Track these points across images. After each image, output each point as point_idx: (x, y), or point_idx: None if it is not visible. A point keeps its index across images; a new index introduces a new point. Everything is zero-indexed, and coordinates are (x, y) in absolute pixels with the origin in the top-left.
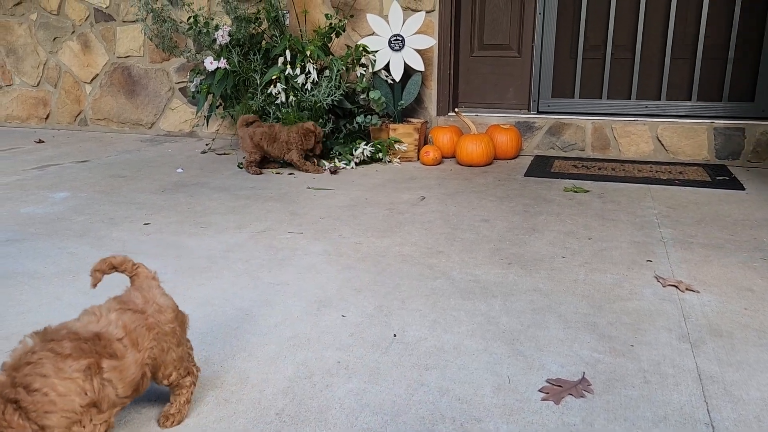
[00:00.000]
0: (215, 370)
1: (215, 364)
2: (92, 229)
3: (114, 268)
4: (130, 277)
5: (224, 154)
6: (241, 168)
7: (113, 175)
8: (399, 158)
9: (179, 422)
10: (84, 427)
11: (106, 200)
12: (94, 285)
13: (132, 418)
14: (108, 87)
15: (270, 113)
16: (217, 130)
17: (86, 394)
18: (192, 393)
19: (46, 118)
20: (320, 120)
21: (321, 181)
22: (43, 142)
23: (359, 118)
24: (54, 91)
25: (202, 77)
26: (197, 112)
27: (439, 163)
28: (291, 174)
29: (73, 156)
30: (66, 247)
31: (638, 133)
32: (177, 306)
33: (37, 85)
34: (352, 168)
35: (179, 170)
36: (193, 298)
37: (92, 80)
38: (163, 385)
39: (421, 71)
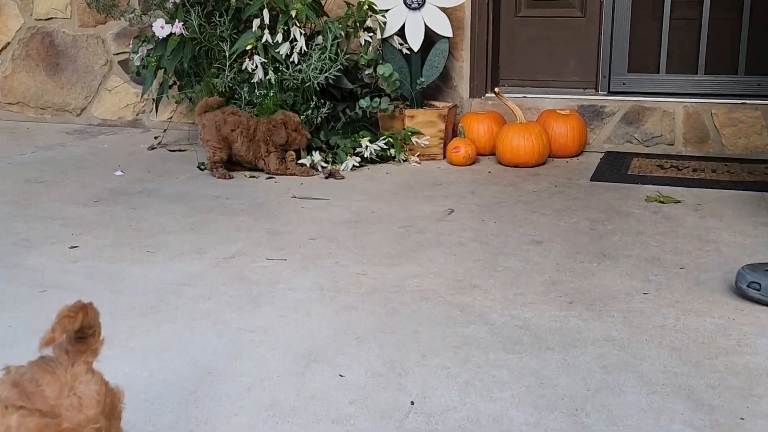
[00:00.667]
0: None
1: None
2: None
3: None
4: (73, 340)
5: (179, 150)
6: (203, 170)
7: (29, 180)
8: (418, 156)
9: None
10: None
11: (18, 215)
12: (46, 344)
13: None
14: (23, 60)
15: (241, 96)
16: (170, 118)
17: None
18: None
19: None
20: (310, 104)
21: (311, 187)
22: None
23: (363, 102)
24: None
25: (150, 47)
26: (143, 94)
27: (472, 163)
28: (270, 178)
29: None
30: None
31: (748, 121)
32: (104, 386)
33: None
34: (354, 169)
35: (118, 173)
36: (136, 351)
37: (1, 51)
38: None
39: (448, 37)
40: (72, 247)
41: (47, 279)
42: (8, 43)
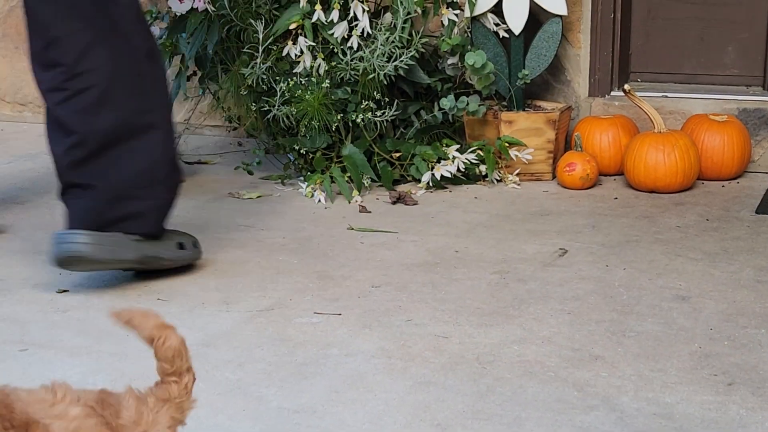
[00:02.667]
0: None
1: None
2: None
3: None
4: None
5: (199, 162)
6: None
7: (3, 201)
8: (517, 174)
9: None
10: None
11: None
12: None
13: None
14: None
15: (278, 92)
16: (187, 119)
17: None
18: None
19: None
20: (370, 104)
21: (373, 215)
22: None
23: (446, 102)
24: None
25: (165, 26)
26: None
27: (592, 185)
28: (319, 201)
29: None
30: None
31: None
32: None
33: None
34: (430, 190)
35: None
36: None
37: None
38: None
39: (560, 15)
40: (60, 291)
41: (28, 334)
42: None
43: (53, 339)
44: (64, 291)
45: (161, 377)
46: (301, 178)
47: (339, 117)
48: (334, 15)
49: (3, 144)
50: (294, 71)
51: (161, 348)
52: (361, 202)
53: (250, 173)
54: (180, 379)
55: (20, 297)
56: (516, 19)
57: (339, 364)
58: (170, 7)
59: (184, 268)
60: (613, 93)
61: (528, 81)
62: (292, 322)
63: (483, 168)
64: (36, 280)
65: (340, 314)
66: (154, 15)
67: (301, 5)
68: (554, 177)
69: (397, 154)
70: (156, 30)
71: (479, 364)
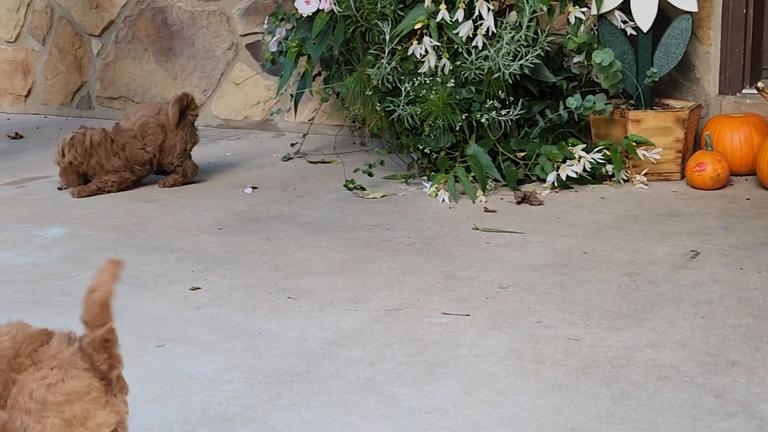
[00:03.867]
0: None
1: None
2: None
3: None
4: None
5: (322, 162)
6: (353, 189)
7: (136, 199)
8: (645, 174)
9: None
10: None
11: (124, 243)
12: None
13: None
14: (128, 43)
15: (403, 91)
16: (311, 120)
17: None
18: None
19: (27, 95)
20: (494, 103)
21: (498, 216)
22: (21, 137)
23: (573, 101)
24: (41, 50)
25: (290, 27)
26: (279, 89)
27: (723, 186)
28: (443, 201)
29: None
30: (61, 327)
31: None
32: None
33: (15, 40)
34: (555, 190)
35: (247, 190)
36: (273, 430)
37: (102, 32)
38: None
39: (690, 12)
40: (193, 289)
41: (164, 330)
42: (112, 22)
43: (188, 335)
44: (197, 288)
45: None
46: (425, 177)
47: (463, 116)
48: (459, 14)
49: None
50: (419, 71)
51: (85, 299)
52: (486, 202)
53: (370, 175)
54: (91, 332)
55: (155, 294)
56: (644, 16)
57: (469, 365)
58: (296, 9)
59: (313, 266)
60: (744, 91)
61: (656, 79)
62: (420, 322)
63: (609, 168)
64: (170, 278)
65: (468, 315)
66: (280, 16)
67: (426, 5)
68: (683, 177)
69: (522, 154)
70: (282, 31)
71: (612, 368)
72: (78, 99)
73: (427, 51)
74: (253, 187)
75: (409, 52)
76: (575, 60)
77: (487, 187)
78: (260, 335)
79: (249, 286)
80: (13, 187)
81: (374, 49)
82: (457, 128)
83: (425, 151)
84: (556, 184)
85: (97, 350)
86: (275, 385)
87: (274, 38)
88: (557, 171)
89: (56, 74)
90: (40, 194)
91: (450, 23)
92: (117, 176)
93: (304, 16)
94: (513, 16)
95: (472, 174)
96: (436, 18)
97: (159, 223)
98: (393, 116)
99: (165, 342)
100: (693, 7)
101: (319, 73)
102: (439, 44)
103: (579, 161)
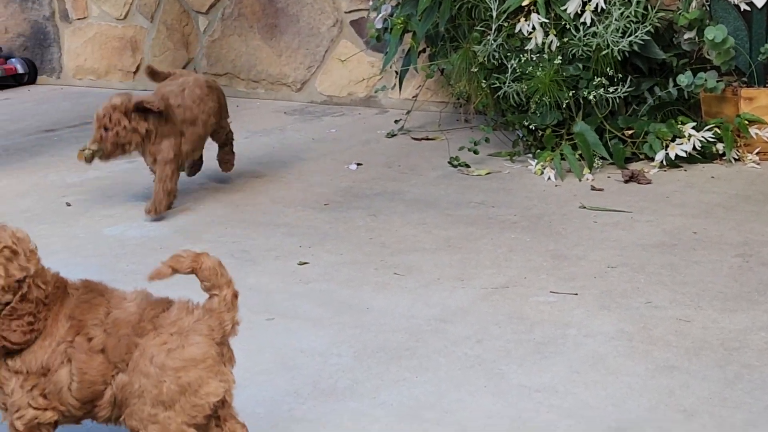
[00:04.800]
0: None
1: None
2: None
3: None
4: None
5: (426, 138)
6: (457, 166)
7: (243, 174)
8: (757, 153)
9: None
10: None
11: (233, 218)
12: (154, 277)
13: None
14: (234, 20)
15: (509, 68)
16: (415, 96)
17: None
18: None
19: (135, 71)
20: (602, 80)
21: (605, 194)
22: None
23: (684, 78)
24: (150, 27)
25: (395, 3)
26: (385, 65)
27: None
28: (549, 178)
29: None
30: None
31: None
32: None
33: (125, 17)
34: (663, 169)
35: (352, 166)
36: (388, 406)
37: (209, 9)
38: None
39: None
40: (301, 264)
41: (273, 304)
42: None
43: (296, 310)
44: (305, 263)
45: (207, 294)
46: (530, 155)
47: (570, 93)
48: None
49: (239, 119)
50: (525, 48)
51: (201, 272)
52: (592, 180)
53: (476, 152)
54: (219, 291)
55: (264, 268)
56: None
57: (578, 344)
58: None
59: (418, 243)
60: None
61: None
62: (528, 300)
63: (720, 147)
64: (278, 252)
65: (576, 294)
66: None
67: None
68: None
69: (630, 132)
70: (387, 8)
71: (725, 350)
72: None
73: (534, 27)
74: (358, 164)
75: (516, 29)
76: (686, 36)
77: (594, 165)
78: (368, 311)
79: (356, 262)
80: (125, 163)
81: (480, 26)
82: (564, 105)
83: (531, 128)
84: (664, 162)
85: (229, 308)
86: (384, 361)
87: (380, 15)
88: (666, 149)
89: (164, 51)
90: (146, 170)
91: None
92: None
93: None
94: None
95: (579, 152)
96: None
97: (266, 198)
98: (498, 93)
99: (274, 316)
100: None
101: (424, 50)
102: (546, 21)
103: (689, 139)
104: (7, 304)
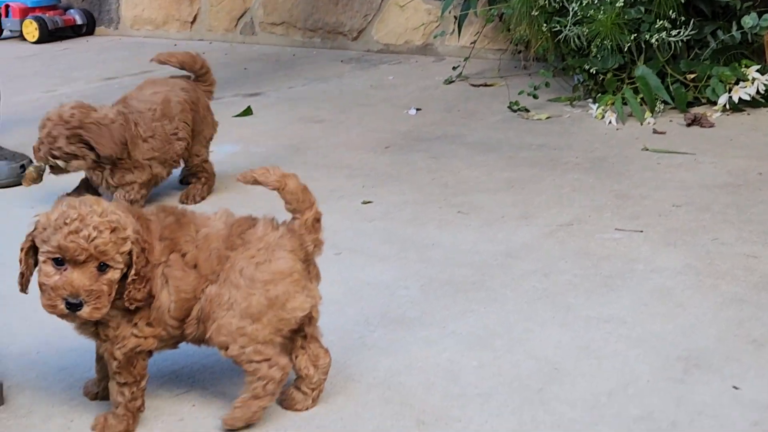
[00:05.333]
0: None
1: None
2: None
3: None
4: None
5: (484, 84)
6: (517, 111)
7: (303, 119)
8: None
9: (233, 427)
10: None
11: (295, 160)
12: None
13: None
14: None
15: (570, 12)
16: (473, 43)
17: None
18: (272, 390)
19: (192, 21)
20: (665, 23)
21: (668, 137)
22: None
23: (748, 20)
24: None
25: None
26: (443, 11)
27: None
28: (610, 122)
29: (237, 85)
30: None
31: None
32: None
33: None
34: (725, 112)
35: (411, 111)
36: (458, 335)
37: None
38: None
39: None
40: (365, 203)
41: (340, 240)
42: None
43: (363, 245)
44: (368, 202)
45: (291, 214)
46: (591, 99)
47: (632, 37)
48: None
49: (296, 68)
50: None
51: (284, 193)
52: (654, 123)
53: (535, 97)
54: (302, 215)
55: (329, 206)
56: None
57: (645, 278)
58: None
59: (481, 184)
60: None
61: None
62: (593, 237)
63: None
64: (341, 192)
65: (641, 231)
66: None
67: None
68: None
69: (692, 76)
70: None
71: None
72: (242, 25)
73: None
74: (417, 109)
75: None
76: None
77: (656, 109)
78: (432, 246)
79: (418, 202)
80: None
81: None
82: (625, 49)
83: (591, 72)
84: (727, 106)
85: (309, 231)
86: (451, 293)
87: None
88: (729, 93)
89: (221, 0)
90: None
91: None
92: (146, 174)
93: None
94: None
95: (640, 96)
96: None
97: (326, 142)
98: (559, 37)
99: (342, 251)
100: None
101: None
102: None
103: (753, 83)
104: (126, 274)
